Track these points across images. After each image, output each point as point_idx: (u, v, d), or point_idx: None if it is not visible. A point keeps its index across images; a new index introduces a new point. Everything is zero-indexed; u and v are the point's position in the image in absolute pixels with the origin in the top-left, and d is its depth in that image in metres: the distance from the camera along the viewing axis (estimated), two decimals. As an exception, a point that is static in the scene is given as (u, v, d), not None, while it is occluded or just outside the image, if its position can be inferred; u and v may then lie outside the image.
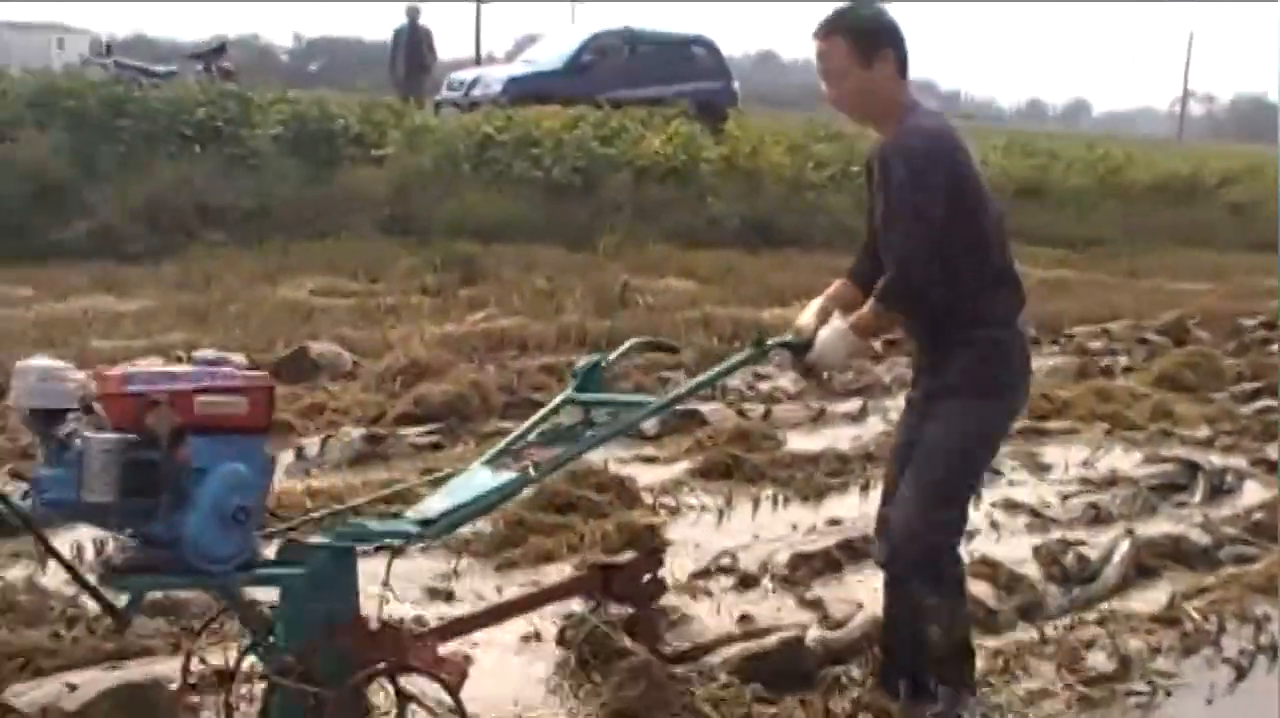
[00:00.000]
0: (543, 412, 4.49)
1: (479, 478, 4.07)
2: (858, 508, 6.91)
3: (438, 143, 18.31)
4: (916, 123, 4.18)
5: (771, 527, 6.65)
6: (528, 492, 6.64)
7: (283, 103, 18.58)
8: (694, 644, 4.80)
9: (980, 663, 4.87)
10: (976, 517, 6.73)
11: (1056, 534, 6.50)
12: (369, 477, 7.16)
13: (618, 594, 4.73)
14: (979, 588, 5.54)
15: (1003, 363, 4.28)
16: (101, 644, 4.79)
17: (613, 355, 4.68)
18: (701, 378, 4.63)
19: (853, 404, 9.41)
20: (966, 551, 6.09)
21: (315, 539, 3.85)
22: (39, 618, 5.04)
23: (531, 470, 4.02)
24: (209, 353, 3.70)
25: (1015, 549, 6.23)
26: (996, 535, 6.59)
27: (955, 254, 4.11)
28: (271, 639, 3.80)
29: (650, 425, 8.32)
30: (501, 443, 4.39)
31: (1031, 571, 5.90)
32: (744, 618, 5.15)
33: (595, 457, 7.39)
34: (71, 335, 10.64)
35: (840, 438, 8.38)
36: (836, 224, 17.52)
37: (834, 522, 6.63)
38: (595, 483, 6.67)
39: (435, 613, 5.28)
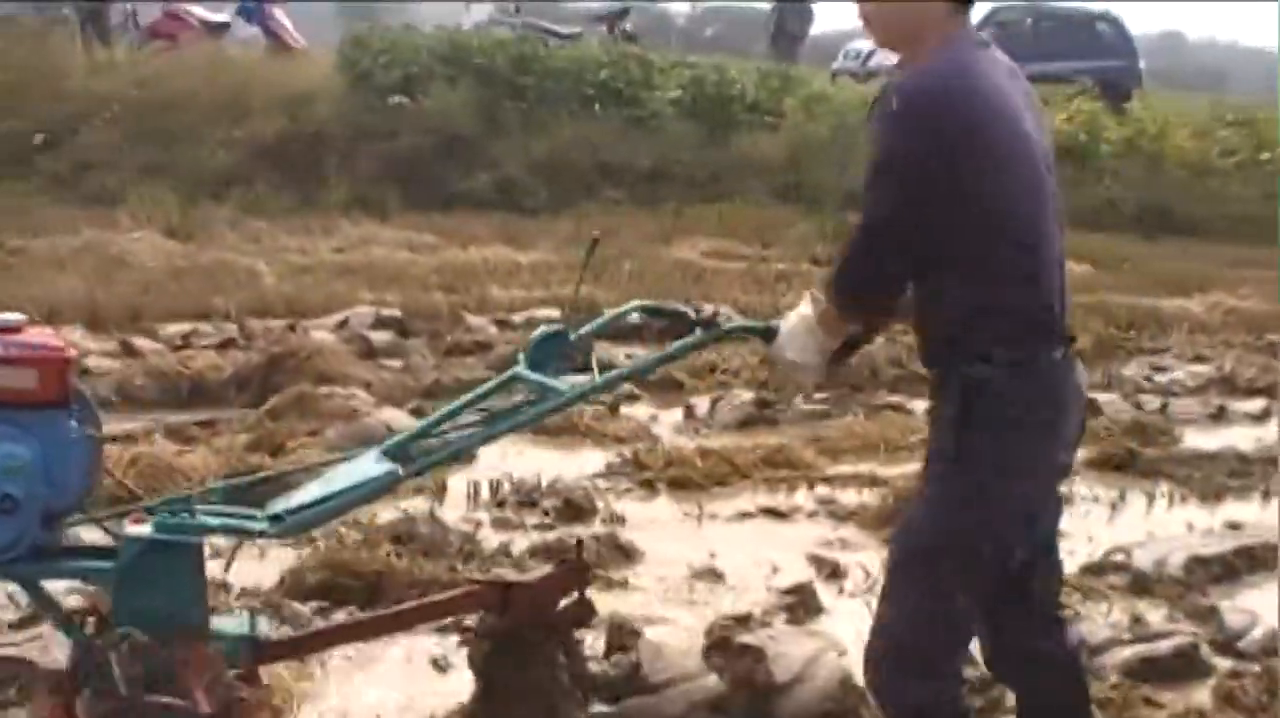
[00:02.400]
0: (484, 388, 3.76)
1: (360, 467, 3.58)
2: (1258, 513, 6.66)
3: (833, 112, 18.28)
4: (935, 62, 2.95)
5: (1166, 525, 6.42)
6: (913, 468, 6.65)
7: (682, 67, 18.90)
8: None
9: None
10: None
11: None
12: (758, 440, 7.29)
13: (524, 617, 3.81)
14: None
15: (983, 418, 2.94)
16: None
17: (596, 323, 3.80)
18: (640, 362, 4.07)
19: (1255, 404, 9.01)
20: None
21: (133, 530, 3.32)
22: (437, 550, 5.29)
23: (400, 469, 3.51)
24: (8, 317, 3.23)
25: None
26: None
27: (943, 244, 2.96)
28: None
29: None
30: (422, 423, 3.83)
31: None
32: (1137, 621, 5.01)
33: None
34: (471, 283, 11.10)
35: (1241, 438, 8.03)
36: (1243, 214, 16.81)
37: (1233, 525, 6.37)
38: (986, 466, 6.56)
39: (824, 586, 5.35)
